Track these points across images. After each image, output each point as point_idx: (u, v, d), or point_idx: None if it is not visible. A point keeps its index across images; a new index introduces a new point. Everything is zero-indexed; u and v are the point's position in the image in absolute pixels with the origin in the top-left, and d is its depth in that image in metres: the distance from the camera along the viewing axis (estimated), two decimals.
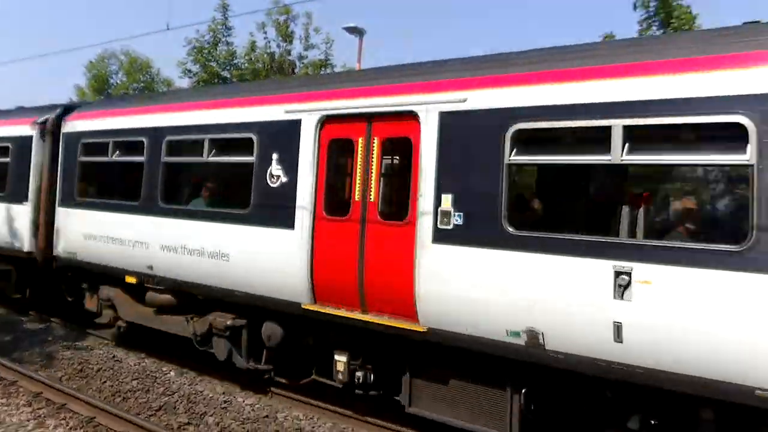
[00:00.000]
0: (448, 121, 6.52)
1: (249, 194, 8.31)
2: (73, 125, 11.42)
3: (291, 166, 7.85)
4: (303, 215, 7.63)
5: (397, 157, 8.11)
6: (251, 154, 8.32)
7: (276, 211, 7.94)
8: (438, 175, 6.51)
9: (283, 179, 7.92)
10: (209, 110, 9.05)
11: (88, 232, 10.60)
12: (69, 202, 11.14)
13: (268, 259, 7.97)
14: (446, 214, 6.41)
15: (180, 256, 9.06)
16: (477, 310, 6.17)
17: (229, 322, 8.78)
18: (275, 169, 8.03)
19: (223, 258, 8.47)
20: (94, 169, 11.33)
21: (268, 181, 8.08)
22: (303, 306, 7.66)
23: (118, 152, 10.41)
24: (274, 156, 8.05)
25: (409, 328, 6.72)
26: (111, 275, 10.39)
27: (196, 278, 8.92)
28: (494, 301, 6.04)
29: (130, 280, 10.02)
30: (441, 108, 6.57)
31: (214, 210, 8.94)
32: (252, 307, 8.47)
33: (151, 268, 9.58)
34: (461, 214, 6.32)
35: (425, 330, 6.61)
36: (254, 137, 8.30)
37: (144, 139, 9.85)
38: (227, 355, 8.91)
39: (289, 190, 7.82)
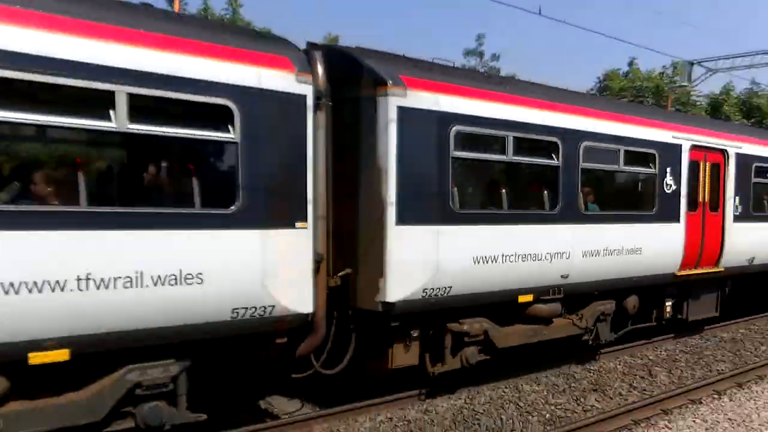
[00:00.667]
0: (738, 159, 12.13)
1: (650, 196, 10.43)
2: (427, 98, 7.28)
3: (677, 177, 10.83)
4: (683, 212, 11.01)
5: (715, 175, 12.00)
6: (659, 167, 10.38)
7: (670, 210, 10.74)
8: (733, 187, 12.12)
9: (673, 187, 10.78)
10: (621, 123, 9.70)
11: (481, 253, 7.97)
12: (432, 217, 7.43)
13: (662, 246, 10.70)
14: (737, 208, 12.24)
15: (600, 258, 9.56)
16: (745, 252, 12.53)
17: (609, 306, 10.32)
18: (669, 179, 10.66)
19: (637, 252, 10.16)
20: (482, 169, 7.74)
21: (665, 188, 10.60)
22: (676, 273, 11.14)
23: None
24: (668, 169, 10.63)
25: (716, 270, 12.11)
26: (490, 306, 8.46)
27: (600, 276, 9.77)
28: None
29: (525, 298, 8.82)
30: (736, 150, 12.10)
31: (629, 213, 9.98)
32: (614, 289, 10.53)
33: (565, 277, 9.15)
34: (740, 206, 12.33)
35: (723, 270, 12.23)
36: (656, 153, 10.35)
37: (558, 141, 8.76)
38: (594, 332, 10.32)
39: (676, 195, 10.84)
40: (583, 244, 9.29)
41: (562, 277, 9.12)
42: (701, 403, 9.11)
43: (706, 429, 8.19)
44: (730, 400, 9.31)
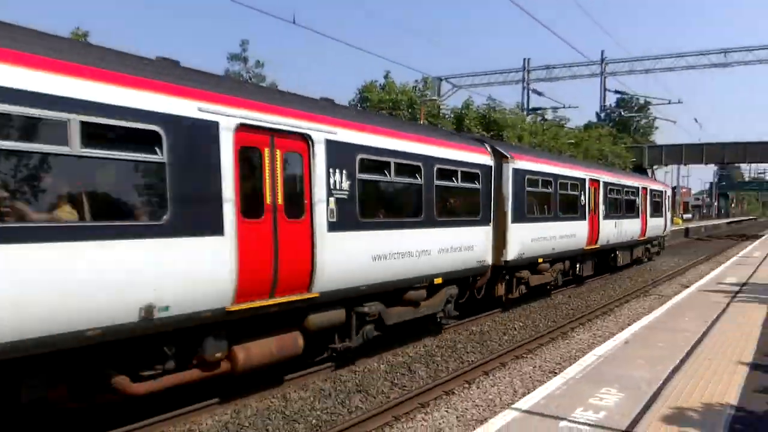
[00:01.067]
0: (604, 185, 22.03)
1: (577, 207, 19.60)
2: (520, 163, 15.51)
3: (585, 196, 20.18)
4: (587, 214, 20.40)
5: (596, 193, 21.33)
6: (580, 191, 19.59)
7: (583, 213, 20.05)
8: (602, 200, 21.98)
9: (584, 201, 20.10)
10: (570, 169, 18.73)
11: (533, 236, 16.37)
12: (521, 219, 15.65)
13: (579, 234, 19.94)
14: (603, 211, 22.10)
15: (563, 239, 18.45)
16: (606, 236, 22.48)
17: (561, 266, 19.29)
18: (582, 197, 19.97)
19: (573, 236, 19.27)
20: (533, 196, 16.03)
21: (581, 202, 19.88)
22: (584, 248, 20.49)
23: (549, 188, 16.87)
24: (582, 192, 19.93)
25: (597, 246, 21.82)
26: (529, 264, 16.82)
27: (562, 249, 18.67)
28: None
29: (540, 260, 17.34)
30: (603, 180, 21.94)
31: (567, 215, 18.87)
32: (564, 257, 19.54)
33: (553, 249, 17.84)
34: (605, 210, 22.24)
35: (599, 246, 21.95)
36: (579, 185, 19.58)
37: (551, 180, 17.48)
38: (557, 279, 19.24)
39: (584, 205, 20.18)
40: (559, 232, 18.11)
41: (553, 249, 17.83)
42: (454, 393, 9.71)
43: (457, 417, 8.64)
44: (478, 388, 10.04)
